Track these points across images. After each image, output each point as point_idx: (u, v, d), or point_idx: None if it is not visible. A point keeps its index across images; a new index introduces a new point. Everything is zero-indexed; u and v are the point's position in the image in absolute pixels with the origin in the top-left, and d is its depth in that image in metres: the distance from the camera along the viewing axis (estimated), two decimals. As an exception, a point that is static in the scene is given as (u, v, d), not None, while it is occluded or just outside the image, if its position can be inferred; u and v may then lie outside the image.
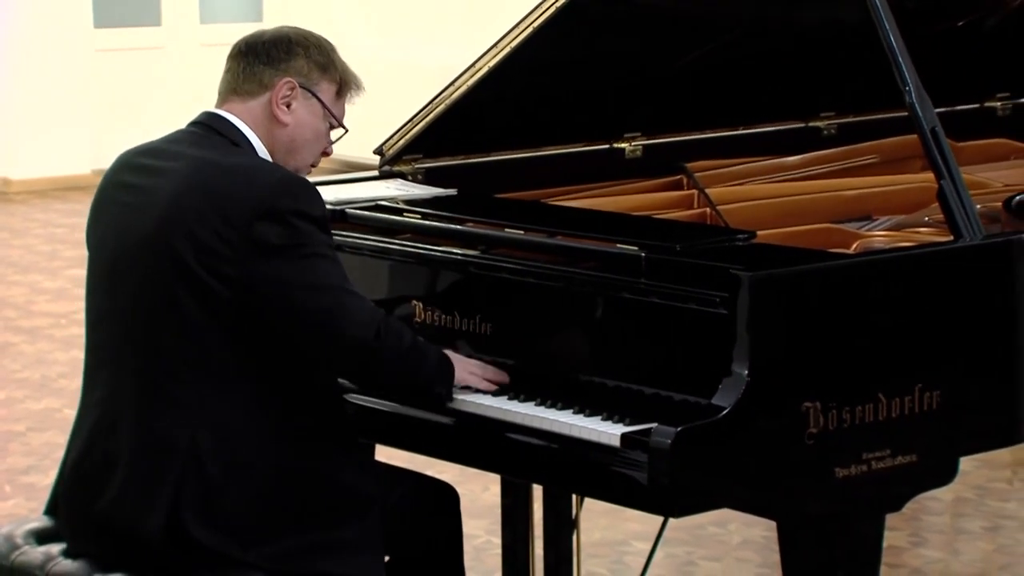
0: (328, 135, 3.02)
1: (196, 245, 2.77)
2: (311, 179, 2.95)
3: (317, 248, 2.80)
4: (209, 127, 2.94)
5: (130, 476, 2.82)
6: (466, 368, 2.94)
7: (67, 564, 2.91)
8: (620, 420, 2.73)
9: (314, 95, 2.96)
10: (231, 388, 2.81)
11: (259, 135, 2.94)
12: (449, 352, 2.96)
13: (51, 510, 3.05)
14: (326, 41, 3.03)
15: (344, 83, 3.01)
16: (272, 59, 2.95)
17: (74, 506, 2.92)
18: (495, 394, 2.91)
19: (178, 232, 2.79)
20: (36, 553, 2.96)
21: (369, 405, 3.04)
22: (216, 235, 2.77)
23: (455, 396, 2.91)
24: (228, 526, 2.78)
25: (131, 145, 3.02)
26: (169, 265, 2.79)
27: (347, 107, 3.05)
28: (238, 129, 2.93)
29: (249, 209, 2.77)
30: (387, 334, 2.83)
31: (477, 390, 2.92)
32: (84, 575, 2.88)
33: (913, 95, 3.07)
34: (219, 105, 2.97)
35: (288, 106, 2.95)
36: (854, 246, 3.25)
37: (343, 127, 3.04)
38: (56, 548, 2.96)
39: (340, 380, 3.00)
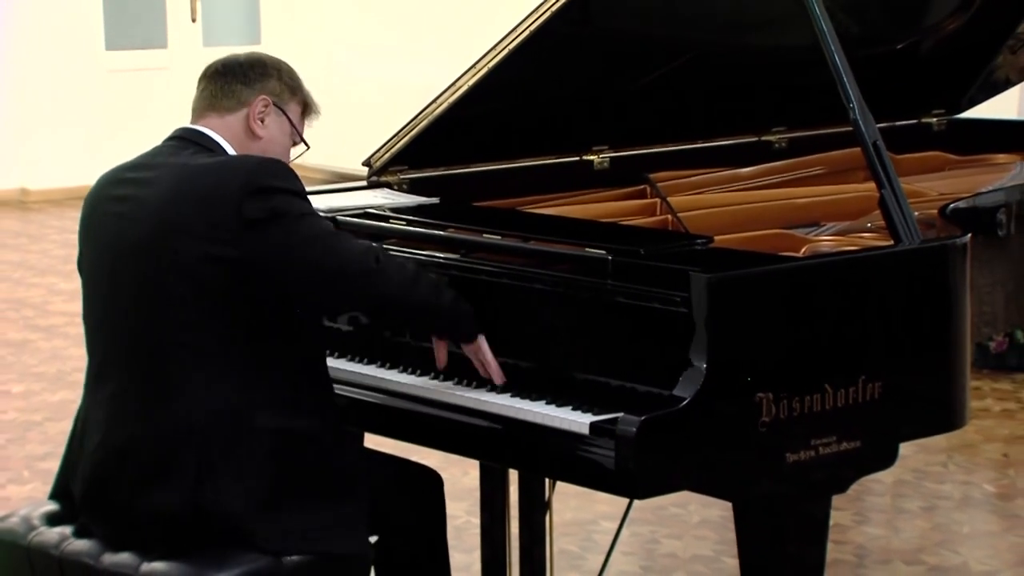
0: (290, 151, 3.04)
1: (193, 239, 2.78)
2: (306, 188, 2.95)
3: (301, 210, 2.83)
4: (187, 140, 2.95)
5: (147, 463, 2.81)
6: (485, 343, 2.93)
7: (80, 544, 2.90)
8: (589, 410, 2.72)
9: (284, 113, 2.99)
10: (231, 373, 2.81)
11: (234, 147, 2.95)
12: None
13: (55, 495, 3.04)
14: (292, 68, 3.07)
15: (307, 105, 3.05)
16: (250, 79, 2.98)
17: (93, 493, 2.91)
18: (473, 386, 2.91)
19: (174, 232, 2.79)
20: (51, 534, 2.95)
21: (358, 397, 3.03)
22: (211, 225, 2.78)
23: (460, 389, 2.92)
24: (239, 501, 2.78)
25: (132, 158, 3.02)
26: (167, 265, 2.79)
27: (334, 124, 3.07)
28: (215, 141, 2.95)
29: (235, 192, 2.78)
30: (387, 259, 2.88)
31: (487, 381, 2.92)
32: (95, 554, 2.87)
33: (857, 112, 3.07)
34: (195, 121, 2.99)
35: (262, 121, 2.97)
36: (803, 250, 3.25)
37: (306, 144, 3.06)
38: (69, 529, 2.95)
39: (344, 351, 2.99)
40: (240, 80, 2.97)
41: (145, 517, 2.81)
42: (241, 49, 3.12)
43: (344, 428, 2.98)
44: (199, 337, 2.80)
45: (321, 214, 3.04)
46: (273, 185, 2.80)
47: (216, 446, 2.78)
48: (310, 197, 2.95)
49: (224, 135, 2.95)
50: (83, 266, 3.00)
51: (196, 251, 2.78)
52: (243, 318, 2.80)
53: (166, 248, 2.80)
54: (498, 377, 2.90)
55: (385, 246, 3.18)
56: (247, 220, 2.77)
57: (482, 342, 2.91)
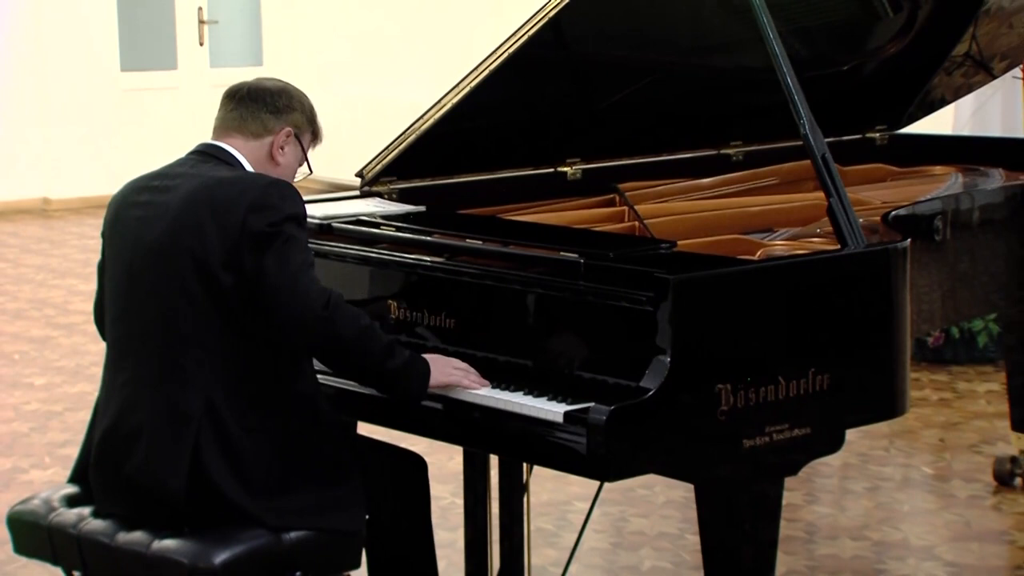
0: (296, 173, 3.05)
1: (204, 243, 2.77)
2: (304, 197, 2.95)
3: (292, 234, 2.79)
4: (208, 154, 2.94)
5: (153, 443, 2.80)
6: (450, 365, 2.87)
7: (96, 523, 2.89)
8: (563, 400, 2.72)
9: (300, 144, 3.00)
10: (234, 363, 2.80)
11: (253, 168, 2.96)
12: (432, 356, 2.89)
13: (73, 479, 3.03)
14: (310, 100, 3.07)
15: (316, 135, 3.06)
16: (278, 109, 2.97)
17: (103, 474, 2.90)
18: (458, 378, 2.89)
19: (187, 234, 2.79)
20: (70, 514, 2.93)
21: (351, 388, 3.01)
22: (219, 230, 2.77)
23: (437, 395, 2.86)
24: (242, 479, 2.77)
25: (152, 169, 3.01)
26: (182, 263, 2.79)
27: (330, 139, 3.11)
28: (235, 158, 2.94)
29: (244, 205, 2.77)
30: (337, 308, 2.77)
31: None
32: (111, 533, 2.85)
33: (807, 127, 3.07)
34: (218, 138, 2.97)
35: (283, 149, 2.98)
36: (758, 253, 3.24)
37: (310, 169, 3.07)
38: (87, 510, 2.94)
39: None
40: (269, 109, 2.96)
41: (150, 496, 2.80)
42: (245, 70, 3.11)
43: (337, 416, 2.97)
44: (205, 331, 2.79)
45: (316, 223, 3.03)
46: (277, 205, 2.79)
47: (215, 432, 2.76)
48: (309, 206, 2.95)
49: (246, 155, 2.95)
50: (104, 265, 2.98)
51: (205, 253, 2.77)
52: (244, 317, 2.79)
53: (179, 248, 2.79)
54: (478, 383, 2.86)
55: (376, 251, 3.18)
56: (248, 231, 2.76)
57: (453, 376, 2.84)
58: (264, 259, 2.75)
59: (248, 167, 2.94)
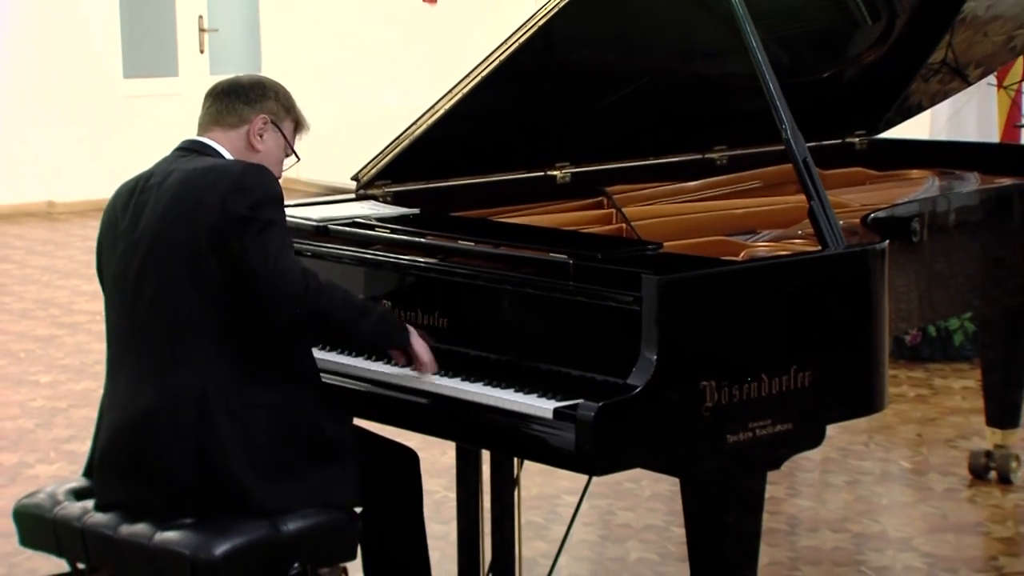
0: (283, 162, 3.05)
1: (191, 232, 2.78)
2: (301, 200, 2.95)
3: (270, 216, 2.79)
4: (189, 149, 2.97)
5: (158, 432, 2.80)
6: (419, 336, 2.92)
7: (100, 516, 2.89)
8: (552, 397, 2.72)
9: (280, 130, 3.00)
10: (227, 350, 2.80)
11: (234, 158, 2.95)
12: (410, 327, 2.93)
13: (87, 472, 3.03)
14: (288, 90, 3.08)
15: (299, 123, 3.06)
16: (251, 99, 2.99)
17: (112, 465, 2.90)
18: (449, 376, 2.90)
19: (176, 226, 2.80)
20: (74, 508, 2.94)
21: (347, 386, 3.02)
22: (202, 219, 2.78)
23: (411, 372, 2.90)
24: (236, 466, 2.77)
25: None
26: (174, 255, 2.80)
27: (326, 143, 3.08)
28: (217, 151, 2.96)
29: (221, 190, 2.79)
30: (316, 289, 2.80)
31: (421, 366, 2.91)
32: (114, 525, 2.85)
33: (788, 132, 3.07)
34: (200, 134, 3.01)
35: (261, 136, 2.98)
36: (742, 254, 3.24)
37: (296, 156, 3.06)
38: (91, 503, 2.93)
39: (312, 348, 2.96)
40: (243, 100, 2.99)
41: (157, 483, 2.80)
42: (244, 77, 3.13)
43: (333, 401, 2.96)
44: (202, 318, 2.80)
45: (297, 219, 3.02)
46: (252, 186, 2.80)
47: (214, 417, 2.77)
48: (306, 208, 2.95)
49: (227, 147, 2.97)
50: (102, 268, 2.99)
51: (193, 243, 2.78)
52: (235, 301, 2.80)
53: (169, 241, 2.81)
54: (431, 367, 2.90)
55: (371, 252, 3.18)
56: (229, 215, 2.77)
57: (417, 346, 2.89)
58: (245, 241, 2.76)
59: (228, 157, 2.95)
